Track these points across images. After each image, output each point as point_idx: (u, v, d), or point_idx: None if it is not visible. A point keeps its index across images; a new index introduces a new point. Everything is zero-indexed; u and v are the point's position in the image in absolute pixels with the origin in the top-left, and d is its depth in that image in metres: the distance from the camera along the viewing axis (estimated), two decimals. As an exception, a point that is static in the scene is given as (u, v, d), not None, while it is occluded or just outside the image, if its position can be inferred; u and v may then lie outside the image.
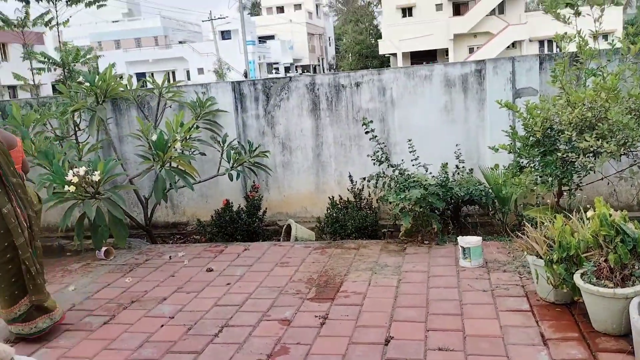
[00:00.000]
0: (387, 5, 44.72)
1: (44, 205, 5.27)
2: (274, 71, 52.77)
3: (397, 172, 6.07)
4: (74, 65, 6.48)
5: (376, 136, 6.34)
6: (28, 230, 3.97)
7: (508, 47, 40.05)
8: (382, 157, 6.31)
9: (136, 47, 51.56)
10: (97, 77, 5.97)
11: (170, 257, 5.86)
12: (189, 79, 44.94)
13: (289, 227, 6.62)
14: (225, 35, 51.64)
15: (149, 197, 6.76)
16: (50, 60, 6.58)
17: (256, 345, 3.74)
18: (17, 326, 4.01)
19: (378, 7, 56.63)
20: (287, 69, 56.46)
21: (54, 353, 3.81)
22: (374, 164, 6.36)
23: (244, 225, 6.52)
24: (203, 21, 49.78)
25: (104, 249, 5.87)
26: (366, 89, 6.82)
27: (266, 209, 6.92)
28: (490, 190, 5.88)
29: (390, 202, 5.79)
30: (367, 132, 6.34)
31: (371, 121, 6.46)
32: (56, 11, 6.64)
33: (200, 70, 45.80)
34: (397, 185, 5.83)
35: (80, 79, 6.22)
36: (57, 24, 6.72)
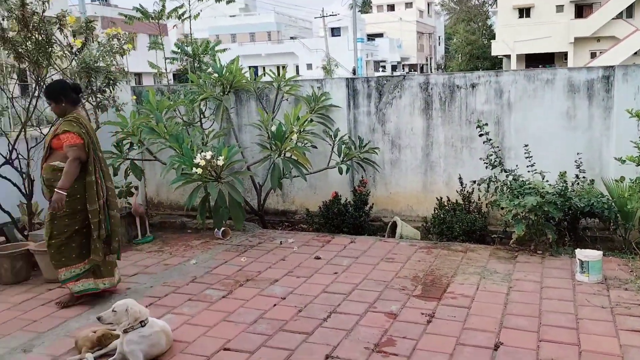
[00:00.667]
0: (503, 5, 42.99)
1: (174, 184, 5.77)
2: (380, 69, 52.73)
3: (510, 178, 5.92)
4: (203, 57, 6.97)
5: (490, 139, 6.22)
6: (104, 200, 4.52)
7: (635, 53, 37.02)
8: (495, 160, 6.18)
9: (250, 41, 53.78)
10: (225, 68, 6.38)
11: (280, 242, 6.15)
12: (297, 74, 46.16)
13: (394, 224, 6.68)
14: (335, 32, 52.37)
15: (263, 184, 7.12)
16: (183, 51, 7.12)
17: (363, 333, 3.86)
18: (74, 284, 4.51)
19: (493, 6, 54.62)
20: (394, 68, 56.14)
21: (179, 319, 4.17)
22: (486, 167, 6.24)
23: (350, 218, 6.67)
24: (315, 18, 50.84)
25: (222, 229, 6.28)
26: (482, 91, 6.69)
27: (373, 204, 7.02)
28: (613, 204, 5.57)
29: (502, 208, 5.67)
30: (481, 135, 6.23)
31: (486, 124, 6.34)
32: (189, 5, 7.17)
33: (309, 66, 46.84)
34: (511, 191, 5.69)
35: (209, 69, 6.66)
36: (190, 17, 7.26)
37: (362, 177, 7.13)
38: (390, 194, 7.29)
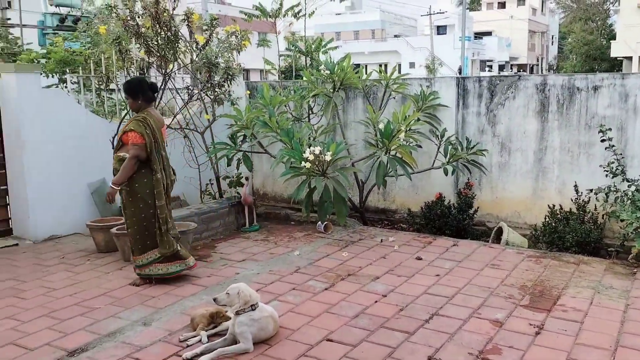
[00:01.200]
0: (626, 3, 39.73)
1: (283, 177, 5.98)
2: (486, 69, 50.85)
3: (633, 188, 5.51)
4: (316, 54, 7.14)
5: (613, 146, 5.83)
6: (166, 195, 4.86)
7: None
8: (617, 169, 5.78)
9: (354, 39, 54.05)
10: (337, 66, 6.51)
11: (381, 240, 6.17)
12: (399, 72, 45.69)
13: (499, 229, 6.46)
14: (441, 30, 51.22)
15: (366, 181, 7.17)
16: (297, 49, 7.34)
17: (467, 339, 3.79)
18: (155, 266, 4.85)
19: (615, 4, 50.66)
20: (501, 67, 53.92)
21: (284, 306, 4.34)
22: (606, 175, 5.86)
23: (453, 221, 6.55)
24: (422, 15, 50.03)
25: (324, 223, 6.42)
26: (605, 94, 6.28)
27: (477, 208, 6.84)
28: None
29: (622, 220, 5.30)
30: (603, 140, 5.86)
31: (609, 129, 5.95)
32: (305, 3, 7.37)
33: (412, 65, 46.21)
34: (633, 202, 5.30)
35: (322, 66, 6.81)
36: (305, 14, 7.46)
37: (468, 179, 6.96)
38: (496, 198, 7.05)
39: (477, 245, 6.01)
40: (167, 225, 4.85)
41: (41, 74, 6.23)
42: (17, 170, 6.21)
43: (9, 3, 17.42)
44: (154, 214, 4.79)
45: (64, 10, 15.85)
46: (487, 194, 7.09)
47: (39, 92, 6.16)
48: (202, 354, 3.54)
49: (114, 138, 6.04)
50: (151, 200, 4.75)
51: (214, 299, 3.75)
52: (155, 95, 5.06)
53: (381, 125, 6.02)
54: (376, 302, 4.44)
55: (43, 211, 6.31)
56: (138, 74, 7.16)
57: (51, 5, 17.61)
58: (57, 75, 7.70)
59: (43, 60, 8.53)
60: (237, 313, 3.68)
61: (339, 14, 55.18)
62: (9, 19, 13.14)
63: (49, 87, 6.47)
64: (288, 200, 8.27)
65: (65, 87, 7.37)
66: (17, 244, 6.16)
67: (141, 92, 4.78)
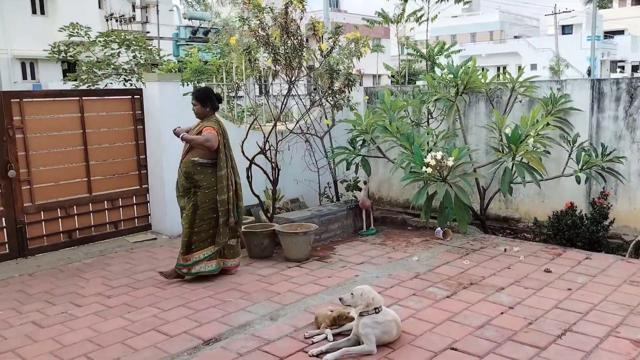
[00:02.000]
0: None
1: (403, 181, 5.96)
2: (618, 70, 46.88)
3: None
4: (437, 58, 7.04)
5: None
6: (233, 193, 5.18)
7: None
8: None
9: (471, 41, 52.43)
10: (461, 69, 6.37)
11: (505, 249, 5.93)
12: (522, 74, 43.46)
13: (638, 244, 5.93)
14: (566, 29, 48.07)
15: (487, 187, 6.93)
16: (418, 53, 7.29)
17: (605, 359, 3.53)
18: (200, 265, 5.09)
19: None
20: (634, 68, 49.41)
21: (405, 311, 4.31)
22: None
23: (586, 232, 6.11)
24: (546, 15, 47.33)
25: (443, 229, 6.30)
26: None
27: (613, 219, 6.33)
28: None
29: None
30: None
31: None
32: (428, 8, 7.31)
33: (534, 66, 43.81)
34: None
35: (444, 70, 6.71)
36: (428, 19, 7.40)
37: (604, 189, 6.46)
38: (634, 209, 6.48)
39: (613, 259, 5.57)
40: (227, 219, 5.15)
41: (180, 83, 6.75)
42: (157, 172, 6.78)
43: (147, 18, 19.06)
44: (214, 209, 5.10)
45: (195, 23, 17.05)
46: (625, 204, 6.54)
47: (178, 99, 6.69)
48: (327, 351, 3.64)
49: (243, 142, 6.39)
50: (213, 196, 5.07)
51: (340, 299, 3.82)
52: (219, 105, 5.38)
53: (507, 130, 5.79)
54: (502, 313, 4.28)
55: (177, 209, 6.81)
56: (264, 82, 7.53)
57: (185, 18, 19.14)
58: (192, 83, 8.31)
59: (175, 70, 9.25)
60: (361, 314, 3.73)
61: (455, 16, 53.84)
62: (148, 32, 14.39)
63: (185, 94, 6.99)
64: (403, 204, 8.22)
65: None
66: (155, 238, 6.72)
67: (210, 100, 5.17)
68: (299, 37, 6.38)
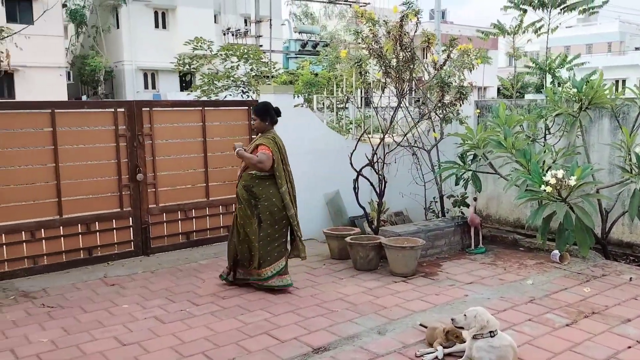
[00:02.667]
0: None
1: (518, 200, 5.72)
2: None
3: None
4: (558, 70, 6.70)
5: None
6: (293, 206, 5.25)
7: None
8: None
9: (586, 52, 49.29)
10: (586, 84, 6.01)
11: (630, 278, 5.48)
12: (641, 88, 40.13)
13: None
14: None
15: (611, 210, 6.46)
16: (537, 65, 6.98)
17: None
18: (277, 279, 5.15)
19: None
20: None
21: (520, 337, 4.10)
22: None
23: None
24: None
25: (560, 253, 5.94)
26: None
27: None
28: None
29: None
30: None
31: None
32: (549, 19, 6.98)
33: (658, 80, 40.31)
34: None
35: (567, 84, 6.36)
36: (548, 30, 7.07)
37: None
38: None
39: None
40: (300, 232, 5.27)
41: (293, 95, 6.97)
42: (267, 179, 7.02)
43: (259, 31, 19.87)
44: (285, 224, 5.19)
45: (304, 36, 17.56)
46: None
47: (290, 110, 6.91)
48: (438, 372, 3.56)
49: (352, 154, 6.46)
50: (281, 213, 5.13)
51: (452, 320, 3.73)
52: (278, 119, 5.37)
53: (638, 149, 5.35)
54: (629, 347, 3.95)
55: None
56: (372, 95, 7.57)
57: (295, 32, 19.79)
58: (303, 95, 8.55)
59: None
60: (475, 337, 3.61)
61: (570, 26, 50.90)
62: (261, 45, 15.03)
63: (295, 106, 7.20)
64: (514, 223, 7.85)
65: (309, 106, 8.13)
66: (263, 244, 6.94)
67: (269, 115, 5.23)
68: (412, 50, 6.35)
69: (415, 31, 6.25)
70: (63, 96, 24.37)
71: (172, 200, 6.54)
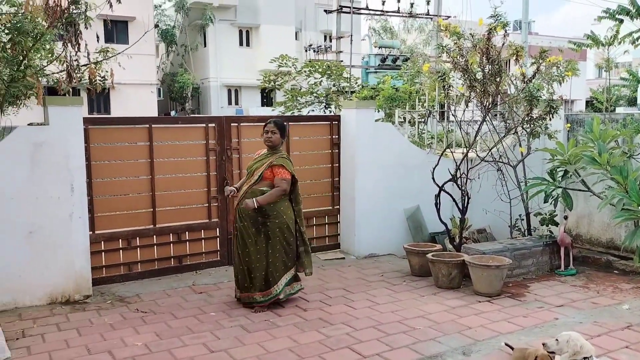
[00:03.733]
0: None
1: (614, 219, 5.41)
2: None
3: None
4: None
5: None
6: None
7: None
8: None
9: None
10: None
11: None
12: None
13: None
14: None
15: None
16: (634, 77, 6.59)
17: None
18: (287, 289, 5.17)
19: None
20: None
21: (617, 365, 3.88)
22: None
23: None
24: None
25: (662, 277, 5.54)
26: None
27: None
28: None
29: None
30: None
31: None
32: (647, 28, 6.60)
33: None
34: None
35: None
36: (646, 41, 6.68)
37: None
38: None
39: None
40: (309, 247, 5.36)
41: (376, 110, 7.01)
42: (349, 193, 7.08)
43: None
44: (293, 241, 5.18)
45: (383, 51, 17.60)
46: None
47: (371, 124, 6.95)
48: (527, 397, 3.41)
49: (434, 168, 6.38)
50: (292, 230, 5.14)
51: (543, 344, 3.58)
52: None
53: None
54: None
55: (365, 230, 7.03)
56: (455, 109, 7.45)
57: (375, 47, 19.92)
58: (384, 109, 8.57)
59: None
60: (569, 363, 3.44)
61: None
62: (342, 61, 15.23)
63: (377, 120, 7.23)
64: (606, 244, 7.40)
65: (390, 120, 8.13)
66: (343, 258, 6.99)
67: (286, 132, 5.30)
68: (499, 63, 6.21)
69: (503, 44, 6.10)
70: (153, 112, 25.89)
71: (256, 213, 6.73)
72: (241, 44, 31.11)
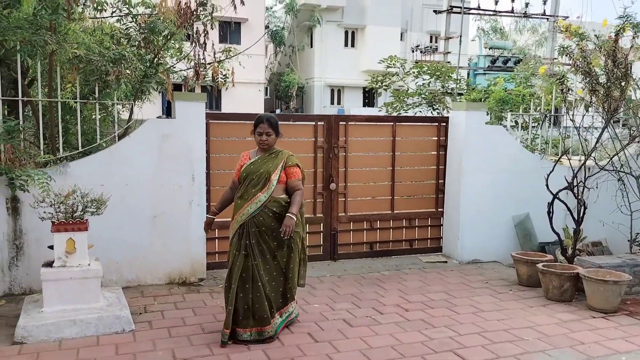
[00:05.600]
0: None
1: None
2: None
3: None
4: None
5: None
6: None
7: None
8: None
9: None
10: None
11: None
12: None
13: None
14: None
15: None
16: None
17: None
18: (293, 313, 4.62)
19: None
20: None
21: None
22: None
23: None
24: None
25: None
26: None
27: None
28: None
29: None
30: None
31: None
32: None
33: None
34: None
35: None
36: None
37: None
38: None
39: None
40: (307, 256, 4.75)
41: (487, 112, 6.82)
42: (453, 196, 6.95)
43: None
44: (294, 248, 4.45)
45: (494, 52, 17.03)
46: None
47: (481, 127, 6.78)
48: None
49: (548, 175, 6.11)
50: (297, 235, 4.39)
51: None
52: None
53: None
54: None
55: (470, 235, 6.87)
56: (573, 114, 7.07)
57: (485, 48, 19.34)
58: (494, 112, 8.31)
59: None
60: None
61: None
62: (449, 62, 14.95)
63: (486, 123, 7.03)
64: None
65: (500, 123, 7.87)
66: (445, 262, 6.89)
67: (279, 131, 4.48)
68: (626, 67, 5.81)
69: (631, 46, 5.70)
70: (260, 109, 26.93)
71: (359, 211, 6.82)
72: (346, 44, 31.46)
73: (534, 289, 5.82)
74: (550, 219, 6.24)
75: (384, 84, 8.48)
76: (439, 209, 7.18)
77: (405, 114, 8.26)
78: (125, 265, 5.55)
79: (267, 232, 4.29)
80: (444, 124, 7.03)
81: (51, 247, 4.51)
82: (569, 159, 6.54)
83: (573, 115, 6.68)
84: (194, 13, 5.60)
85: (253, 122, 4.49)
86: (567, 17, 15.91)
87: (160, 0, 5.61)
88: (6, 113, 5.29)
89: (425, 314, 5.03)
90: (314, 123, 6.57)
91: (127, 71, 5.35)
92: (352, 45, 31.44)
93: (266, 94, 31.46)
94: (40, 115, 5.33)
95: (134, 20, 6.02)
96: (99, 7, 6.22)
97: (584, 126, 6.79)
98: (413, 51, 26.25)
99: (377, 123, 6.99)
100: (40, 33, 4.82)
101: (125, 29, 6.12)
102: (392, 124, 6.93)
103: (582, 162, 6.20)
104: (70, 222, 4.44)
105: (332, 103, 31.64)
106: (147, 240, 5.61)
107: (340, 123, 6.64)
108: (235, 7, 5.75)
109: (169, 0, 5.66)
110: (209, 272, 5.97)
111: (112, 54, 5.24)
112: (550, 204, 6.23)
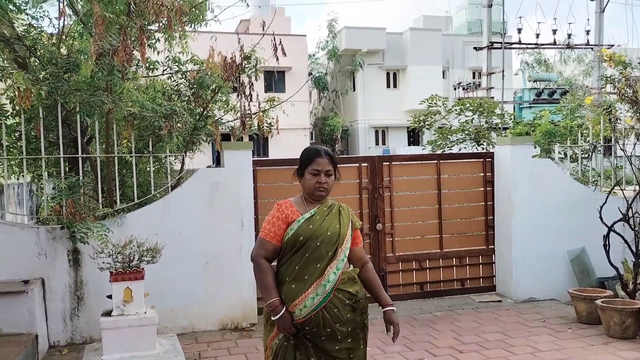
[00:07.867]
0: None
1: None
2: None
3: None
4: None
5: None
6: None
7: None
8: None
9: None
10: None
11: None
12: None
13: None
14: None
15: None
16: None
17: None
18: None
19: None
20: None
21: None
22: None
23: None
24: None
25: None
26: None
27: None
28: None
29: None
30: None
31: None
32: None
33: None
34: None
35: None
36: None
37: None
38: None
39: None
40: None
41: (534, 145, 6.75)
42: (504, 233, 6.82)
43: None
44: None
45: (539, 85, 16.84)
46: None
47: (528, 161, 6.69)
48: None
49: (602, 207, 5.94)
50: None
51: None
52: None
53: None
54: None
55: (524, 273, 6.69)
56: (624, 143, 6.89)
57: (529, 81, 19.14)
58: (542, 145, 8.19)
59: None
60: None
61: None
62: (492, 97, 14.88)
63: (533, 156, 6.94)
64: None
65: (548, 156, 7.74)
66: (500, 301, 6.70)
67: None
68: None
69: (679, 71, 5.59)
70: (306, 154, 27.28)
71: (408, 250, 6.78)
72: (388, 85, 31.82)
73: (594, 326, 5.58)
74: (607, 252, 6.01)
75: (426, 123, 8.54)
76: (489, 246, 7.04)
77: (449, 151, 8.25)
78: (180, 311, 5.70)
79: (346, 325, 2.89)
80: (490, 159, 6.98)
81: (110, 297, 4.70)
82: (622, 190, 6.34)
83: (624, 144, 6.52)
84: (239, 67, 5.89)
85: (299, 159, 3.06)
86: (612, 45, 15.65)
87: (208, 56, 5.94)
88: (67, 170, 5.64)
89: (480, 355, 4.90)
90: (358, 165, 6.66)
91: (178, 125, 5.63)
92: (395, 86, 31.76)
93: (312, 138, 31.95)
94: (99, 170, 5.65)
95: (184, 76, 6.38)
96: (151, 67, 6.65)
97: (636, 155, 6.60)
98: (455, 88, 26.27)
99: (421, 162, 7.02)
100: (97, 94, 5.18)
101: (176, 85, 6.49)
102: (436, 161, 6.94)
103: (637, 192, 6.00)
104: (127, 271, 4.63)
105: (377, 144, 31.80)
106: (200, 287, 5.76)
107: (384, 163, 6.71)
108: (277, 59, 6.00)
109: (215, 56, 5.97)
110: (260, 317, 6.03)
111: (164, 110, 5.55)
112: (606, 237, 6.02)
